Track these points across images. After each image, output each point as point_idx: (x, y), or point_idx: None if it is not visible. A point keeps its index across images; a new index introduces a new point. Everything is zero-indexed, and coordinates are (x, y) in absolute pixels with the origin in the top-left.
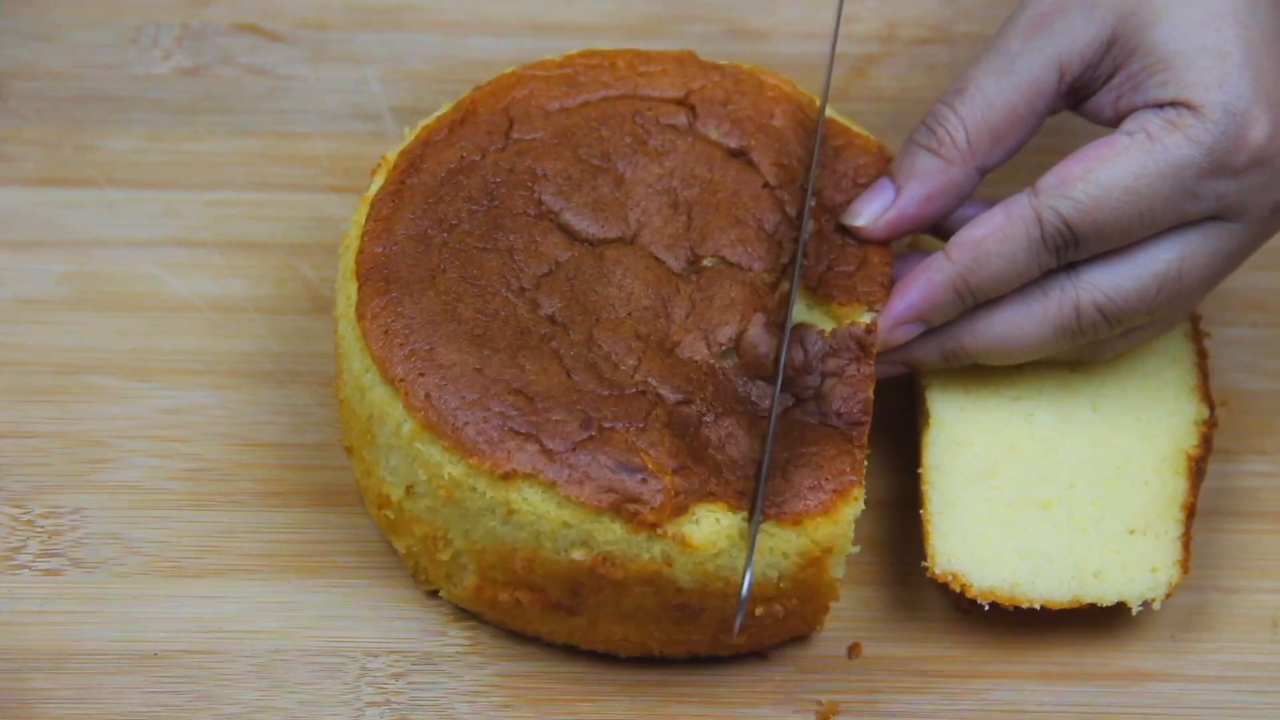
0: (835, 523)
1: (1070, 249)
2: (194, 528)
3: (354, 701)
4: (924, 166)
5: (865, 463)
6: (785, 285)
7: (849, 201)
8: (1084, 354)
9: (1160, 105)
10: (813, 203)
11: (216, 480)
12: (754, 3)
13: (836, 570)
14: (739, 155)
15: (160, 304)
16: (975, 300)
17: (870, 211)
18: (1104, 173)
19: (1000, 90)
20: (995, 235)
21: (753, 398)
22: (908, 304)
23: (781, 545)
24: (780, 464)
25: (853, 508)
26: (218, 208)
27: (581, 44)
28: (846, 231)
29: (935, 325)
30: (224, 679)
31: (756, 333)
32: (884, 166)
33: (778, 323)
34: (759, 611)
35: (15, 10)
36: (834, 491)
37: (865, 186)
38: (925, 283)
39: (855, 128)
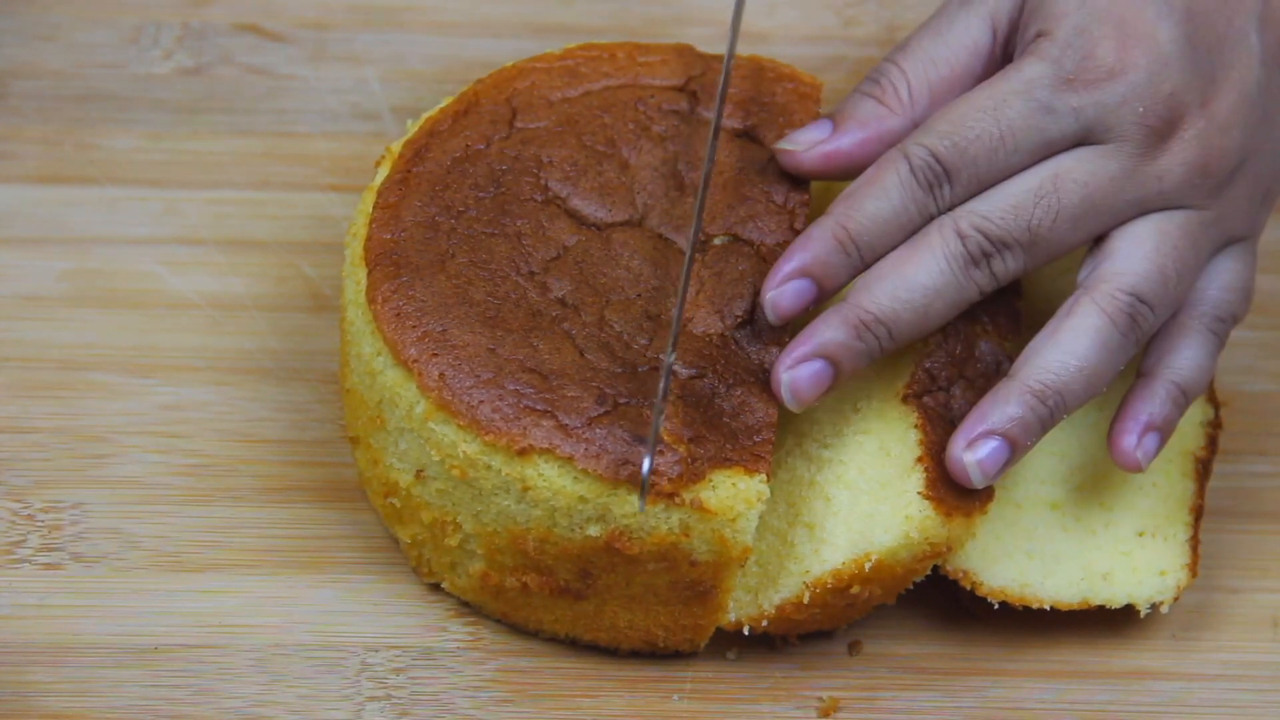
0: (968, 527)
1: (942, 182)
2: (194, 523)
3: (354, 696)
4: (865, 111)
5: None
6: None
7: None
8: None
9: (1028, 42)
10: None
11: (217, 476)
12: (753, 5)
13: (927, 571)
14: (743, 135)
15: (161, 301)
16: (860, 252)
17: (805, 139)
18: (962, 104)
19: (939, 49)
20: (866, 180)
21: (765, 365)
22: (790, 259)
23: (930, 532)
24: (936, 447)
25: (982, 518)
26: (218, 206)
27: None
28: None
29: (825, 284)
30: (224, 673)
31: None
32: None
33: None
34: (855, 590)
35: (15, 10)
36: (983, 497)
37: None
38: (806, 237)
39: None
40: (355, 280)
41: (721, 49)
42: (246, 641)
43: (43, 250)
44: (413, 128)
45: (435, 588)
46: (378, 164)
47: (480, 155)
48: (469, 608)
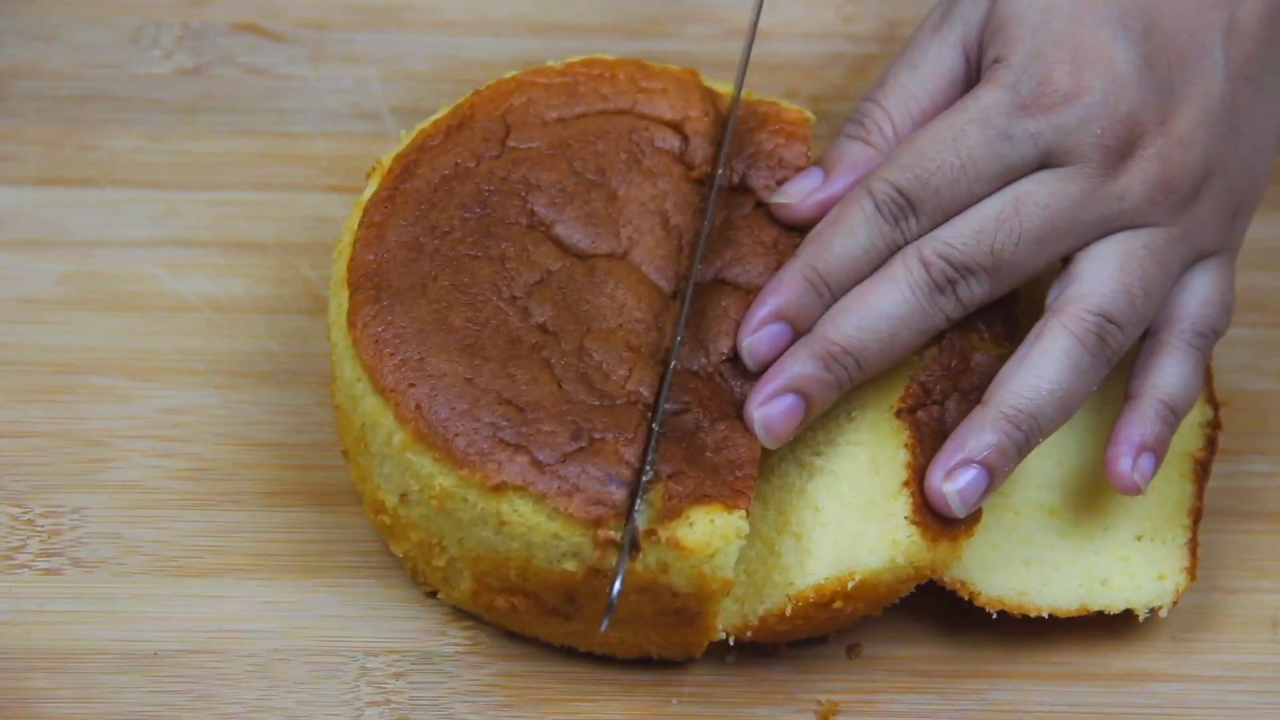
0: (954, 551)
1: (907, 215)
2: (194, 527)
3: (354, 701)
4: (853, 154)
5: None
6: None
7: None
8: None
9: (986, 68)
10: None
11: (216, 480)
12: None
13: (911, 589)
14: (731, 189)
15: (160, 304)
16: (829, 289)
17: (798, 190)
18: (922, 136)
19: (916, 81)
20: (833, 219)
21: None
22: (763, 304)
23: (915, 556)
24: (924, 471)
25: (968, 541)
26: (218, 207)
27: (581, 45)
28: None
29: (800, 326)
30: (224, 678)
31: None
32: None
33: None
34: (837, 605)
35: (15, 10)
36: (968, 521)
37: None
38: (777, 281)
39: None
40: (339, 301)
41: (722, 49)
42: (246, 646)
43: (42, 252)
44: (404, 140)
45: (432, 594)
46: (368, 176)
47: (469, 174)
48: (467, 612)
